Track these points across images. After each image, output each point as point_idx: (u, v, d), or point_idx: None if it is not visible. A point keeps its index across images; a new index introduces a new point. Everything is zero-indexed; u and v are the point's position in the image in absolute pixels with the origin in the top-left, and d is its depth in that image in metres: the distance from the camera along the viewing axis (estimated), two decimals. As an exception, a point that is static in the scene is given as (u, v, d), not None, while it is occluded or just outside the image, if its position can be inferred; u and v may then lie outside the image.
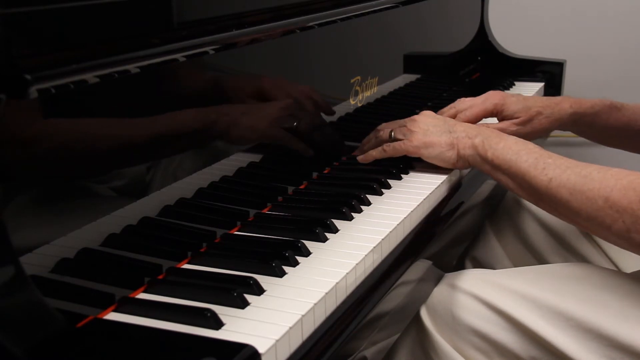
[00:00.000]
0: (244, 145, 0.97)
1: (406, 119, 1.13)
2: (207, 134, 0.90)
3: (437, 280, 1.02)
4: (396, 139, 1.11)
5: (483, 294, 0.95)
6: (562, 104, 1.23)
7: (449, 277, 1.02)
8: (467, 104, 1.23)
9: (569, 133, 1.34)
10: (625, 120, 1.23)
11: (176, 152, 0.85)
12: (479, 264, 1.33)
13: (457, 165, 1.08)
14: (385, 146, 1.12)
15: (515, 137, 1.03)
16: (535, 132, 1.23)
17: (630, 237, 0.83)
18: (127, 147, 0.78)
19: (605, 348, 0.85)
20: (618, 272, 0.99)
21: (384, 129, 1.15)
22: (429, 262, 0.99)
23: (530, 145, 0.99)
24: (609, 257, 1.20)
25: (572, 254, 1.23)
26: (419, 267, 0.95)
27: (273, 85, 1.02)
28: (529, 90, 1.72)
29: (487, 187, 1.26)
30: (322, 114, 1.14)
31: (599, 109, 1.23)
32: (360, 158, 1.16)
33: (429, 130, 1.09)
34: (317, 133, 1.12)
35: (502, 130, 1.15)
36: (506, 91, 1.70)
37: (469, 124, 1.10)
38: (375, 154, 1.13)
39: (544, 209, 0.97)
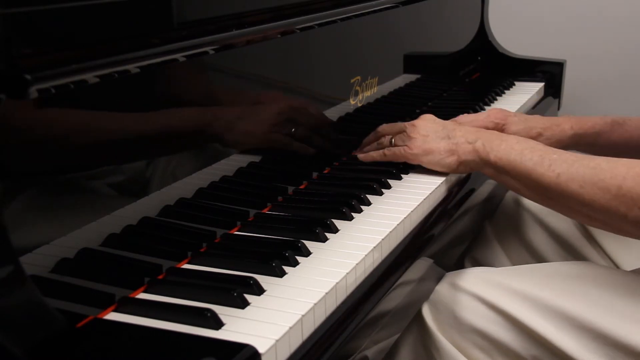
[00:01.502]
0: (241, 149, 0.97)
1: (406, 124, 1.13)
2: (204, 135, 0.89)
3: (438, 279, 1.02)
4: (396, 145, 1.12)
5: (484, 294, 0.95)
6: (562, 125, 1.22)
7: (450, 275, 1.01)
8: (468, 119, 1.23)
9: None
10: (628, 135, 1.20)
11: (174, 151, 0.85)
12: (478, 265, 1.33)
13: (459, 170, 1.09)
14: (386, 150, 1.13)
15: (516, 136, 1.03)
16: None
17: None
18: (126, 146, 0.78)
19: (606, 347, 0.85)
20: (619, 271, 0.99)
21: (385, 134, 1.15)
22: (430, 261, 0.99)
23: (532, 143, 0.99)
24: (609, 257, 1.20)
25: (572, 255, 1.23)
26: (420, 266, 0.95)
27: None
28: (529, 90, 1.72)
29: (487, 187, 1.25)
30: (321, 117, 1.14)
31: (600, 128, 1.21)
32: (361, 156, 1.16)
33: (428, 137, 1.09)
34: (316, 136, 1.12)
35: None
36: (506, 90, 1.70)
37: (468, 128, 1.10)
38: (375, 155, 1.15)
39: (553, 208, 0.96)
